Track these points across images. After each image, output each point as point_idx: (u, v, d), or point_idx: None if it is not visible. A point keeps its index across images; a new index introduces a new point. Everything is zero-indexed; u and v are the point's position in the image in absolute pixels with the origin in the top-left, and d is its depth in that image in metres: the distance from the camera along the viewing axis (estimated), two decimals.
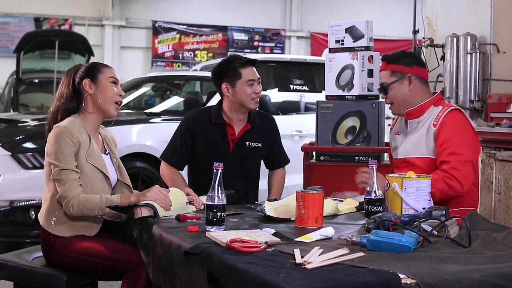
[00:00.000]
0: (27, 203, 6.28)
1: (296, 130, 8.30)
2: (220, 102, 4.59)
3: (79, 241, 3.69)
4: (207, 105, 7.13)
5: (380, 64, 4.21)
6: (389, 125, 4.81)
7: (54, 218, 3.71)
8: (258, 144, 4.55)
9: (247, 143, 4.53)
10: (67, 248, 3.68)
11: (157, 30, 20.15)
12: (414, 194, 3.33)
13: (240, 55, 4.65)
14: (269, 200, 4.22)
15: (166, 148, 4.62)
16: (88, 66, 3.92)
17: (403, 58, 4.07)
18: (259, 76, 4.51)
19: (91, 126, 3.85)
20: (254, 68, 4.51)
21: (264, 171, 4.75)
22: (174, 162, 4.57)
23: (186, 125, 4.56)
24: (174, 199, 3.66)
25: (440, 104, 3.99)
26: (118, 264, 3.57)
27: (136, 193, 3.71)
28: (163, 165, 4.61)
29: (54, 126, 3.73)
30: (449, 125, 3.85)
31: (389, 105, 4.12)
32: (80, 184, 3.65)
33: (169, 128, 6.38)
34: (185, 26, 20.43)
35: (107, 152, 3.94)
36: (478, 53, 5.93)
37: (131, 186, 4.01)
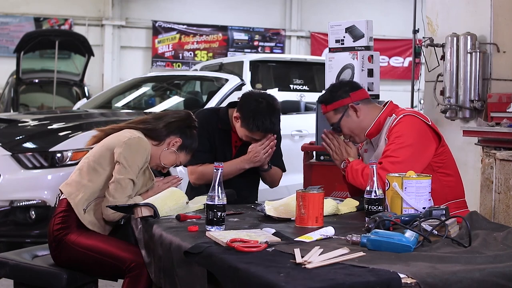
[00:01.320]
0: (27, 203, 6.27)
1: (296, 130, 8.30)
2: (227, 106, 4.57)
3: (88, 237, 3.73)
4: (207, 105, 7.15)
5: (321, 110, 4.13)
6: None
7: (85, 207, 3.77)
8: None
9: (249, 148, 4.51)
10: (75, 243, 3.71)
11: (157, 30, 20.15)
12: (414, 193, 3.32)
13: (264, 121, 4.34)
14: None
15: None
16: (190, 136, 4.06)
17: (336, 92, 4.02)
18: (264, 134, 4.39)
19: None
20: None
21: None
22: (203, 162, 4.50)
23: (201, 125, 4.40)
24: (174, 199, 3.66)
25: (394, 113, 3.93)
26: (121, 263, 3.59)
27: (143, 194, 3.87)
28: (191, 170, 4.53)
29: (140, 136, 3.87)
30: (393, 133, 3.82)
31: (349, 140, 4.07)
32: (130, 197, 3.76)
33: None
34: (185, 26, 20.43)
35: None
36: (478, 53, 5.93)
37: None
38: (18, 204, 6.28)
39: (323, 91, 4.18)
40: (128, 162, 3.73)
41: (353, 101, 3.98)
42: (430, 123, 3.90)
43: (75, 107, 9.42)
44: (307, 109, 9.00)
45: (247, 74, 9.64)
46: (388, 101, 4.08)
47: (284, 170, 4.71)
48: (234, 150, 4.51)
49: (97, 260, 3.66)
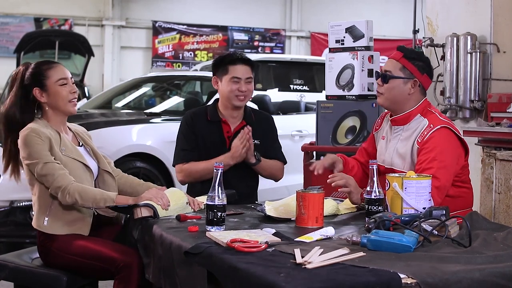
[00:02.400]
0: (27, 203, 6.27)
1: (296, 130, 8.30)
2: (216, 100, 4.61)
3: (74, 242, 3.70)
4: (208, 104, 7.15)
5: (394, 52, 3.97)
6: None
7: (46, 218, 3.74)
8: (256, 141, 4.55)
9: None
10: (62, 250, 3.69)
11: (157, 30, 20.15)
12: (415, 193, 3.32)
13: (238, 53, 4.66)
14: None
15: (176, 154, 4.58)
16: (34, 72, 3.87)
17: (420, 61, 3.90)
18: (250, 75, 4.50)
19: (56, 124, 3.85)
20: (247, 67, 4.51)
21: None
22: (188, 160, 4.52)
23: (186, 125, 4.56)
24: (174, 199, 3.66)
25: (427, 115, 3.86)
26: (108, 265, 3.57)
27: (134, 198, 3.72)
28: (178, 169, 4.55)
29: (20, 131, 3.74)
30: (430, 146, 3.72)
31: (378, 93, 3.97)
32: (68, 173, 3.66)
33: (170, 128, 6.41)
34: (185, 26, 20.42)
35: (81, 144, 3.96)
36: (478, 53, 5.93)
37: (112, 172, 4.01)
38: (18, 204, 6.29)
39: (405, 47, 4.04)
40: (29, 158, 3.68)
41: (420, 81, 3.88)
42: (461, 136, 3.86)
43: None
44: (307, 109, 9.00)
45: None
46: (424, 98, 3.96)
47: (284, 161, 4.73)
48: (228, 141, 4.51)
49: (86, 265, 3.65)
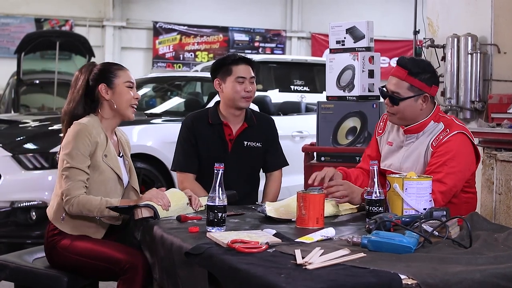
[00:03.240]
0: (28, 204, 6.28)
1: (297, 131, 8.29)
2: (217, 103, 4.61)
3: (80, 242, 3.71)
4: (208, 105, 7.15)
5: (395, 67, 3.85)
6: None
7: (64, 215, 3.73)
8: (257, 144, 4.55)
9: (245, 142, 4.53)
10: (68, 249, 3.70)
11: (157, 31, 20.16)
12: (415, 194, 3.32)
13: (238, 53, 4.66)
14: None
15: (175, 158, 4.58)
16: (103, 68, 3.90)
17: (425, 74, 3.79)
18: (253, 75, 4.51)
19: (108, 127, 3.88)
20: (249, 67, 4.51)
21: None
22: (190, 168, 4.53)
23: (187, 129, 4.56)
24: (175, 200, 3.66)
25: (441, 120, 3.83)
26: (113, 266, 3.57)
27: (135, 199, 3.73)
28: (181, 177, 4.56)
29: (75, 122, 3.75)
30: (443, 150, 3.70)
31: (388, 113, 3.87)
32: (85, 186, 3.68)
33: (170, 129, 6.40)
34: (185, 27, 20.43)
35: (121, 154, 3.96)
36: (478, 54, 5.93)
37: (139, 191, 4.00)
38: (19, 205, 6.29)
39: (407, 58, 3.90)
40: (67, 151, 3.68)
41: (430, 94, 3.80)
42: (475, 142, 3.84)
43: None
44: (308, 110, 8.99)
45: None
46: (436, 104, 3.91)
47: (286, 164, 4.75)
48: (230, 144, 4.51)
49: (90, 265, 3.65)
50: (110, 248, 3.66)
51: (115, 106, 3.84)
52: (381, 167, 3.91)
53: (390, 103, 3.82)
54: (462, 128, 3.78)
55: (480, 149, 5.23)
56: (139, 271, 3.51)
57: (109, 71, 3.87)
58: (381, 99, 5.12)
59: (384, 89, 3.88)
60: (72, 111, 3.83)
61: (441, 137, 3.74)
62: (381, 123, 4.13)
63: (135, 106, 3.91)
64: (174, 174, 6.08)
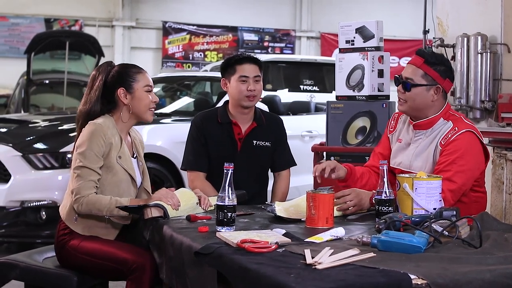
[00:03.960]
0: (38, 203, 6.30)
1: (307, 131, 8.29)
2: (226, 102, 4.62)
3: (88, 242, 3.71)
4: (217, 105, 7.16)
5: (413, 57, 3.89)
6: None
7: (76, 215, 3.74)
8: (266, 143, 4.56)
9: (255, 142, 4.53)
10: (76, 249, 3.71)
11: (167, 30, 20.18)
12: (425, 194, 3.32)
13: (244, 53, 4.66)
14: None
15: (185, 158, 4.59)
16: (121, 71, 3.89)
17: (441, 66, 3.82)
18: (257, 74, 4.50)
19: (123, 128, 3.88)
20: (255, 66, 4.51)
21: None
22: (200, 167, 4.54)
23: (196, 128, 4.56)
24: (185, 200, 3.66)
25: (450, 118, 3.82)
26: (121, 266, 3.58)
27: (145, 199, 3.74)
28: (191, 176, 4.56)
29: (90, 122, 3.76)
30: (451, 148, 3.69)
31: (400, 100, 3.88)
32: (96, 186, 3.68)
33: (180, 129, 6.40)
34: (195, 27, 20.45)
35: (135, 155, 3.96)
36: (488, 53, 5.91)
37: (151, 193, 4.00)
38: (29, 204, 6.31)
39: (426, 49, 3.91)
40: (81, 151, 3.69)
41: (443, 86, 3.81)
42: (484, 142, 3.83)
43: None
44: (317, 109, 8.99)
45: None
46: (446, 102, 3.91)
47: (295, 164, 4.75)
48: (239, 143, 4.52)
49: (98, 265, 3.66)
50: (118, 248, 3.67)
51: (134, 110, 3.85)
52: (390, 165, 3.91)
53: (402, 89, 3.83)
54: (470, 126, 3.78)
55: (490, 148, 5.24)
56: (147, 271, 3.51)
57: (128, 75, 3.86)
58: (391, 99, 5.13)
59: (399, 76, 3.90)
60: (88, 111, 3.83)
61: (449, 136, 3.73)
62: (392, 121, 4.12)
63: (153, 109, 3.91)
64: (184, 174, 6.11)
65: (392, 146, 4.07)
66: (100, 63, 4.87)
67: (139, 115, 3.87)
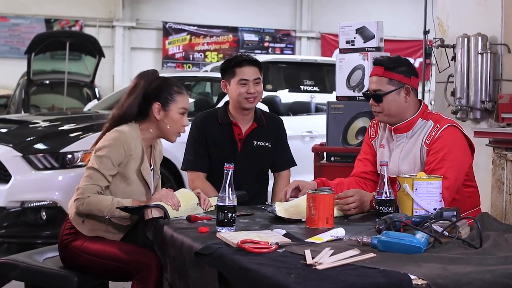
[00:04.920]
0: (38, 204, 6.30)
1: (307, 131, 8.29)
2: (226, 103, 4.62)
3: (93, 243, 3.72)
4: (217, 106, 7.16)
5: (372, 68, 3.94)
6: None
7: (84, 217, 3.75)
8: (267, 144, 4.56)
9: (255, 142, 4.54)
10: (80, 249, 3.72)
11: (167, 31, 20.20)
12: (425, 194, 3.32)
13: (244, 54, 4.65)
14: None
15: (186, 158, 4.59)
16: (163, 87, 3.86)
17: (402, 66, 3.85)
18: (257, 76, 4.49)
19: (147, 139, 3.87)
20: (254, 68, 4.50)
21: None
22: (200, 167, 4.55)
23: (197, 128, 4.57)
24: (185, 200, 3.66)
25: (429, 117, 3.84)
26: (127, 266, 3.58)
27: (145, 200, 3.75)
28: (191, 176, 4.57)
29: (116, 129, 3.75)
30: (438, 146, 3.71)
31: (375, 113, 3.89)
32: (101, 192, 3.68)
33: None
34: (195, 27, 20.46)
35: (151, 168, 3.95)
36: (489, 54, 5.91)
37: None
38: (29, 205, 6.31)
39: (382, 57, 3.96)
40: (99, 154, 3.68)
41: (411, 85, 3.84)
42: (467, 134, 3.84)
43: (85, 108, 9.46)
44: (318, 110, 9.00)
45: None
46: (422, 102, 3.94)
47: (295, 164, 4.76)
48: (239, 144, 4.52)
49: (103, 265, 3.66)
50: (124, 248, 3.67)
51: (162, 128, 3.84)
52: (377, 171, 3.93)
53: (375, 102, 3.86)
54: (451, 121, 3.81)
55: (490, 149, 5.23)
56: (153, 270, 3.51)
57: (168, 93, 3.83)
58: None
59: (367, 91, 3.93)
60: (122, 115, 3.82)
61: (433, 134, 3.76)
62: (372, 128, 4.13)
63: (183, 132, 3.92)
64: (184, 174, 6.10)
65: (377, 153, 4.06)
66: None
67: (166, 134, 3.86)
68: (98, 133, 3.93)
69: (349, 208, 3.65)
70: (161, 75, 4.00)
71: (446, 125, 3.75)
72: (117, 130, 3.73)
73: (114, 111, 3.89)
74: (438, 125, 3.77)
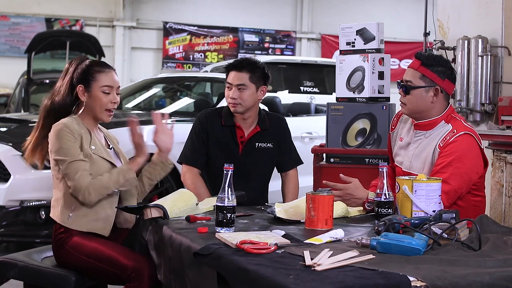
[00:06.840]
0: (37, 203, 6.30)
1: (306, 132, 8.29)
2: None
3: (89, 243, 3.71)
4: (218, 106, 7.15)
5: (412, 61, 3.91)
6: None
7: (70, 214, 3.75)
8: (269, 145, 4.56)
9: (257, 144, 4.54)
10: (75, 248, 3.71)
11: (167, 31, 20.19)
12: (425, 196, 3.32)
13: (241, 59, 4.64)
14: None
15: (183, 151, 4.61)
16: (85, 69, 3.89)
17: (439, 66, 3.84)
18: (242, 83, 4.46)
19: (89, 124, 3.89)
20: (241, 74, 4.48)
21: (276, 172, 4.75)
22: (195, 162, 4.57)
23: (200, 124, 4.58)
24: (184, 200, 3.67)
25: (450, 121, 3.83)
26: (119, 271, 3.57)
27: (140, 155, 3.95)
28: (185, 169, 4.60)
29: (53, 125, 3.77)
30: (449, 150, 3.70)
31: (401, 103, 3.90)
32: (90, 174, 3.69)
33: (180, 129, 6.38)
34: (195, 27, 20.46)
35: (110, 147, 3.98)
36: (489, 56, 5.91)
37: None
38: (28, 204, 6.31)
39: (423, 52, 3.95)
40: (56, 152, 3.71)
41: (442, 87, 3.82)
42: (482, 146, 3.82)
43: None
44: (318, 111, 8.99)
45: None
46: (449, 105, 3.92)
47: (301, 162, 4.83)
48: (241, 146, 4.53)
49: (97, 267, 3.66)
50: (117, 252, 3.66)
51: (90, 109, 3.87)
52: (394, 163, 3.99)
53: (403, 93, 3.87)
54: (469, 129, 3.78)
55: (489, 151, 5.24)
56: (145, 278, 3.51)
57: (89, 73, 3.87)
58: (391, 101, 5.12)
59: (401, 81, 3.93)
60: (57, 105, 3.89)
61: (448, 138, 3.74)
62: (394, 119, 4.17)
63: (113, 110, 3.91)
64: None
65: (393, 145, 4.10)
66: (90, 61, 4.82)
67: (95, 114, 3.88)
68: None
69: (337, 196, 3.70)
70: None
71: (462, 132, 3.74)
72: (54, 125, 3.76)
73: (44, 103, 3.95)
74: (455, 130, 3.76)
